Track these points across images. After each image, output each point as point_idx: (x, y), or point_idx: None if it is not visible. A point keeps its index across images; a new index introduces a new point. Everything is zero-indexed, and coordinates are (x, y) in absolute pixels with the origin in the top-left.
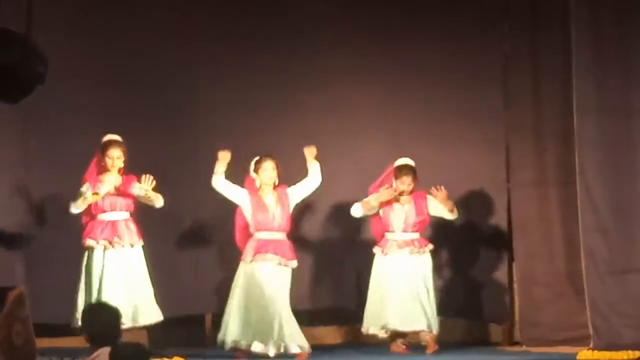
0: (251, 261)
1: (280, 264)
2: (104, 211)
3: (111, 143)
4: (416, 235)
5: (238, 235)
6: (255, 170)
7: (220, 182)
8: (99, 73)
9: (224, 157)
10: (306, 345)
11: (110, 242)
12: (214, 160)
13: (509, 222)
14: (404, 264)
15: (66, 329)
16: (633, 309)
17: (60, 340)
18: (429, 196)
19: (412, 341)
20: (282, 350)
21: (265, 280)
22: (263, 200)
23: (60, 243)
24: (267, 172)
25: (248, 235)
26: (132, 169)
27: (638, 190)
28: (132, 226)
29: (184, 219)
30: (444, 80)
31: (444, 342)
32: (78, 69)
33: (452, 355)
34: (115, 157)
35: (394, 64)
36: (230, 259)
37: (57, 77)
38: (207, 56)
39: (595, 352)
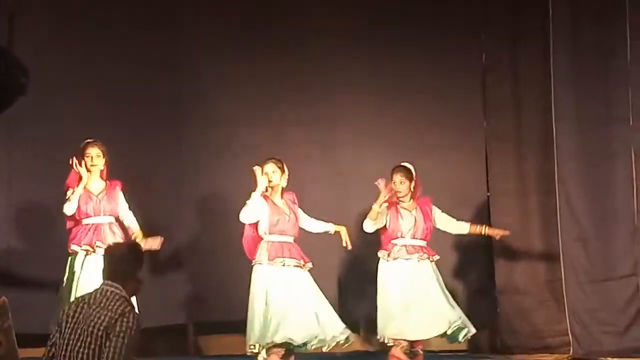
0: (269, 264)
1: (297, 265)
2: (88, 216)
3: (88, 143)
4: (424, 243)
5: (248, 243)
6: (263, 174)
7: (249, 214)
8: (82, 82)
9: (262, 182)
10: (348, 331)
11: (91, 247)
12: (198, 168)
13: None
14: (413, 268)
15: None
16: (612, 316)
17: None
18: (433, 207)
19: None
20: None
21: (291, 281)
22: (276, 203)
23: (43, 253)
24: (267, 175)
25: (257, 242)
26: (117, 177)
27: (617, 200)
28: (117, 230)
29: (167, 227)
30: (425, 89)
31: (429, 351)
32: (60, 78)
33: None
34: (94, 155)
35: (375, 74)
36: (213, 267)
37: (39, 88)
38: (198, 66)
39: (575, 359)
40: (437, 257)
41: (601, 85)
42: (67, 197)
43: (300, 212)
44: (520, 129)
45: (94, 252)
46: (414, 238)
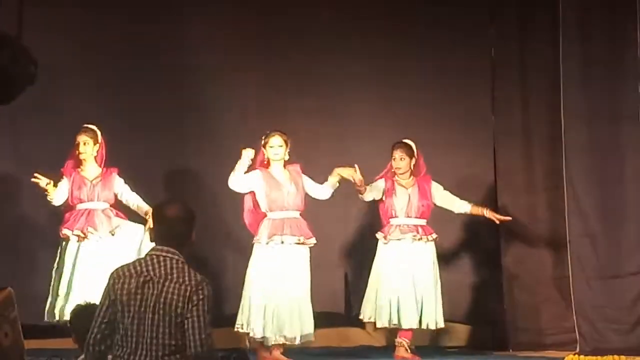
0: (267, 242)
1: (298, 242)
2: (81, 201)
3: (80, 130)
4: (421, 222)
5: (248, 218)
6: (264, 146)
7: (239, 182)
8: (91, 73)
9: (247, 155)
10: (311, 333)
11: (82, 233)
12: (203, 159)
13: (497, 227)
14: (406, 251)
15: (55, 330)
16: (619, 313)
17: (49, 342)
18: (434, 183)
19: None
20: (298, 337)
21: (284, 261)
22: (275, 177)
23: (48, 243)
24: (273, 148)
25: (258, 217)
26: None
27: (625, 196)
28: (112, 215)
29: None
30: (433, 85)
31: (433, 347)
32: (69, 69)
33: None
34: (82, 143)
35: (383, 70)
36: (211, 252)
37: (47, 77)
38: (202, 58)
39: (582, 356)
40: (434, 236)
41: (610, 81)
42: (58, 185)
43: (308, 182)
44: (529, 124)
45: (86, 237)
46: (408, 217)
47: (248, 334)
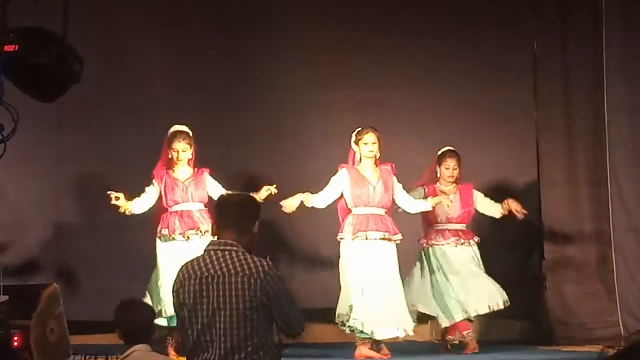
0: (353, 239)
1: (384, 238)
2: (176, 202)
3: (176, 135)
4: (462, 227)
5: (340, 214)
6: (356, 142)
7: (323, 201)
8: (138, 69)
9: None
10: (410, 327)
11: (183, 235)
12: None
13: (540, 221)
14: (449, 255)
15: (100, 326)
16: None
17: (93, 337)
18: (475, 191)
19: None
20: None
21: (371, 257)
22: (362, 174)
23: (94, 240)
24: (367, 145)
25: (345, 210)
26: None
27: None
28: (207, 216)
29: None
30: (475, 79)
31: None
32: (115, 66)
33: (485, 354)
34: (180, 150)
35: (425, 64)
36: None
37: (93, 76)
38: (264, 54)
39: None
40: (476, 239)
41: None
42: (146, 189)
43: (397, 186)
44: (571, 118)
45: (188, 238)
46: (449, 222)
47: (348, 328)
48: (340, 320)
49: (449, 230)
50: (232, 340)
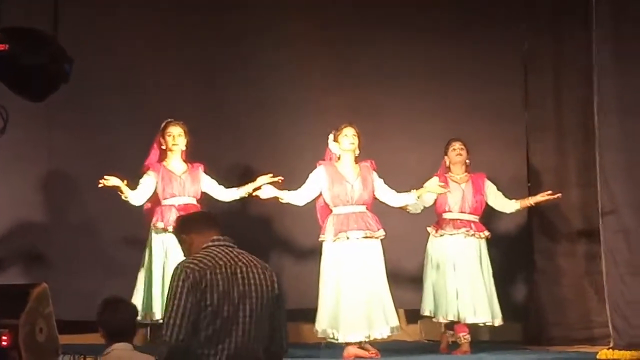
0: (334, 240)
1: (366, 236)
2: (173, 195)
3: (170, 122)
4: (474, 218)
5: (320, 216)
6: (336, 138)
7: (301, 195)
8: (128, 68)
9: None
10: (396, 325)
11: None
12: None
13: (530, 222)
14: (458, 245)
15: (89, 325)
16: None
17: (83, 337)
18: (487, 181)
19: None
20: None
21: (354, 257)
22: (340, 172)
23: (83, 239)
24: (347, 137)
25: (325, 210)
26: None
27: None
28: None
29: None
30: (465, 80)
31: (475, 342)
32: (102, 65)
33: (473, 354)
34: (176, 134)
35: (415, 64)
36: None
37: (83, 74)
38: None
39: (616, 351)
40: (486, 233)
41: None
42: (140, 182)
43: (378, 181)
44: (562, 119)
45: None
46: (462, 212)
47: (328, 335)
48: (320, 326)
49: (461, 220)
50: (257, 327)
